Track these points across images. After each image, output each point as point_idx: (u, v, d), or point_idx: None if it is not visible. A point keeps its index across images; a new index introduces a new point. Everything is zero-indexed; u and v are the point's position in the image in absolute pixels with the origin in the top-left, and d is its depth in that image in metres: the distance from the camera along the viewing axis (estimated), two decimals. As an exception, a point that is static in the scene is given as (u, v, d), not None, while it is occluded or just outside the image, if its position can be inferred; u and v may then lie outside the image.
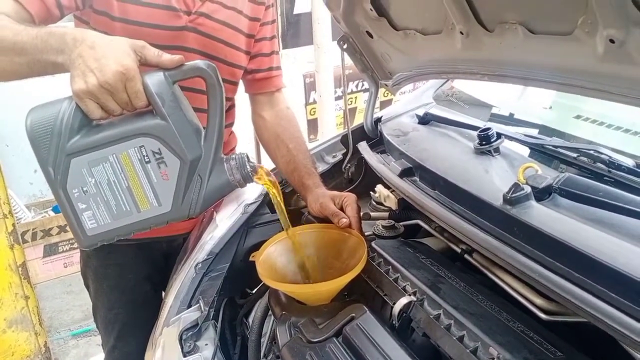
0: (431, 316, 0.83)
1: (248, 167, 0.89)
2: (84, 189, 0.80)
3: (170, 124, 0.81)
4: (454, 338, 0.78)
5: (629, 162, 0.88)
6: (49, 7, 1.00)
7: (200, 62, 0.84)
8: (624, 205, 0.79)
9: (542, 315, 0.84)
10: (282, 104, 1.39)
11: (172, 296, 1.15)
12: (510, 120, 1.68)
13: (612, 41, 0.70)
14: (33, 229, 2.35)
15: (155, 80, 0.80)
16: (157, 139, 0.80)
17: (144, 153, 0.81)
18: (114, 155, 0.80)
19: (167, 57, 0.82)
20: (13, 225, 2.22)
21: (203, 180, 0.85)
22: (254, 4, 1.27)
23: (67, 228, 2.44)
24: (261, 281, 1.23)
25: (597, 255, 0.72)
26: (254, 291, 1.29)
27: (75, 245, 2.50)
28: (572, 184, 0.85)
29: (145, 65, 0.81)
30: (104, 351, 1.50)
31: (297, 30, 2.97)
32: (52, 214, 2.46)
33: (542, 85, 0.89)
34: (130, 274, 1.38)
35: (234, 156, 0.89)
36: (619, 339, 0.69)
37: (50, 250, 2.38)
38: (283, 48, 2.85)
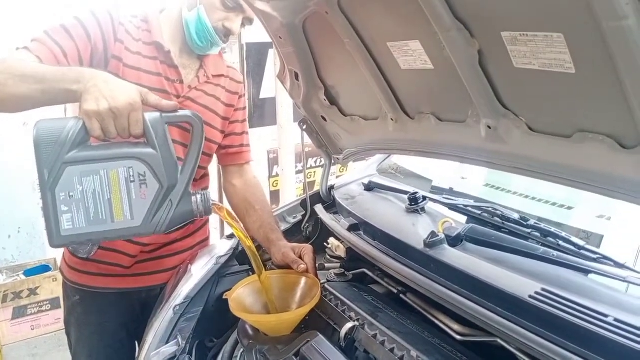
0: (370, 336, 1.05)
1: (210, 202, 1.07)
2: (71, 194, 0.93)
3: (159, 154, 0.97)
4: (387, 350, 1.00)
5: (516, 216, 1.17)
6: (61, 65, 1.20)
7: (189, 112, 1.05)
8: (510, 246, 1.06)
9: (457, 337, 1.07)
10: (250, 174, 1.65)
11: (152, 335, 1.31)
12: (450, 192, 1.98)
13: (489, 127, 1.00)
14: (4, 292, 2.43)
15: (152, 117, 0.99)
16: (145, 164, 0.97)
17: (131, 173, 0.96)
18: (105, 170, 0.94)
19: (165, 102, 1.02)
20: (-14, 287, 2.32)
21: (173, 205, 1.01)
22: (230, 94, 1.56)
23: (37, 291, 2.55)
24: (228, 329, 1.43)
25: (489, 281, 0.97)
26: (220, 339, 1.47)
27: (44, 308, 2.58)
28: (474, 232, 1.13)
29: (146, 105, 1.00)
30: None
31: (262, 112, 3.28)
32: (23, 277, 2.54)
33: (448, 159, 1.19)
34: (109, 321, 1.53)
35: (200, 192, 1.07)
36: (509, 345, 0.92)
37: (19, 313, 2.45)
38: (250, 127, 3.13)
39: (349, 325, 1.09)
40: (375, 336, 1.05)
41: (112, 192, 0.96)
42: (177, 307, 1.36)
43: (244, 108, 1.64)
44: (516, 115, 0.95)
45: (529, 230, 1.10)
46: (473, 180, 1.94)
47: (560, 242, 1.03)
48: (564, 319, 0.81)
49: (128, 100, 0.96)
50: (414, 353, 0.94)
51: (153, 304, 1.52)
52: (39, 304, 2.51)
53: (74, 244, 0.99)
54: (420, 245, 1.13)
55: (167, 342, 1.28)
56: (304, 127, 1.62)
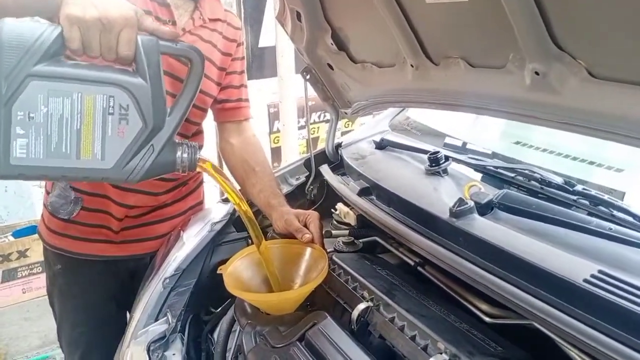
0: (386, 319, 0.91)
1: (197, 155, 0.91)
2: (31, 115, 0.76)
3: (149, 87, 0.81)
4: (407, 337, 0.85)
5: (559, 180, 1.00)
6: None
7: (189, 45, 0.89)
8: (554, 217, 0.90)
9: (487, 319, 0.93)
10: (249, 132, 1.47)
11: (139, 311, 1.18)
12: (462, 150, 1.80)
13: (537, 73, 0.82)
14: (-10, 254, 2.31)
15: (147, 41, 0.82)
16: (131, 95, 0.80)
17: (111, 104, 0.79)
18: (80, 94, 0.77)
19: (165, 28, 0.85)
20: (-30, 250, 2.19)
21: (154, 151, 0.85)
22: (227, 41, 1.37)
23: (27, 253, 2.42)
24: (226, 299, 1.29)
25: (530, 259, 0.82)
26: (218, 310, 1.34)
27: (35, 271, 2.46)
28: (509, 199, 0.96)
29: (141, 29, 0.82)
30: (67, 371, 1.50)
31: (261, 63, 3.07)
32: (11, 239, 2.41)
33: (480, 112, 1.01)
34: (95, 293, 1.41)
35: (187, 142, 0.91)
36: (549, 331, 0.78)
37: (9, 276, 2.33)
38: (248, 79, 2.93)
39: (362, 306, 0.94)
40: (392, 320, 0.90)
41: (84, 123, 0.79)
42: (167, 280, 1.22)
43: (242, 58, 1.46)
44: (573, 57, 0.76)
45: (574, 197, 0.93)
46: (489, 134, 1.76)
47: (615, 213, 0.87)
48: (632, 311, 0.66)
49: (122, 14, 0.78)
50: (441, 345, 0.80)
51: (143, 272, 1.38)
52: (30, 267, 2.39)
53: (23, 177, 0.79)
54: (445, 214, 0.97)
55: (156, 319, 1.15)
56: (308, 77, 1.43)
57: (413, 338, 0.85)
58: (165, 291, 1.19)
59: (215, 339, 1.21)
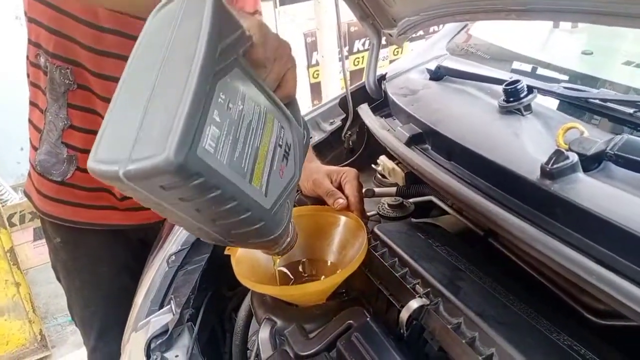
0: (449, 326, 0.64)
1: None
2: (230, 105, 0.54)
3: (304, 136, 0.70)
4: (481, 358, 0.59)
5: None
6: None
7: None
8: None
9: (593, 319, 0.66)
10: None
11: (142, 295, 0.98)
12: (533, 75, 1.45)
13: None
14: (21, 211, 2.20)
15: None
16: (292, 137, 0.66)
17: (281, 135, 0.63)
18: (265, 108, 0.59)
19: None
20: (-3, 208, 2.09)
21: (288, 212, 0.67)
22: None
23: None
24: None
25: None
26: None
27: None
28: (632, 147, 0.65)
29: None
30: (87, 350, 1.35)
31: (294, -16, 2.72)
32: (39, 195, 2.31)
33: (590, 20, 0.67)
34: (104, 266, 1.22)
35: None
36: None
37: (41, 233, 2.23)
38: (280, 5, 2.59)
39: (414, 304, 0.68)
40: (457, 327, 0.64)
41: (262, 143, 0.59)
42: (173, 257, 1.01)
43: None
44: None
45: None
46: (568, 49, 1.39)
47: None
48: None
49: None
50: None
51: (154, 240, 1.18)
52: (61, 224, 2.28)
53: (195, 181, 0.49)
54: (533, 174, 0.67)
55: (161, 306, 0.94)
56: (339, -10, 1.11)
57: (489, 358, 0.59)
58: (170, 271, 0.98)
59: (236, 324, 1.01)
